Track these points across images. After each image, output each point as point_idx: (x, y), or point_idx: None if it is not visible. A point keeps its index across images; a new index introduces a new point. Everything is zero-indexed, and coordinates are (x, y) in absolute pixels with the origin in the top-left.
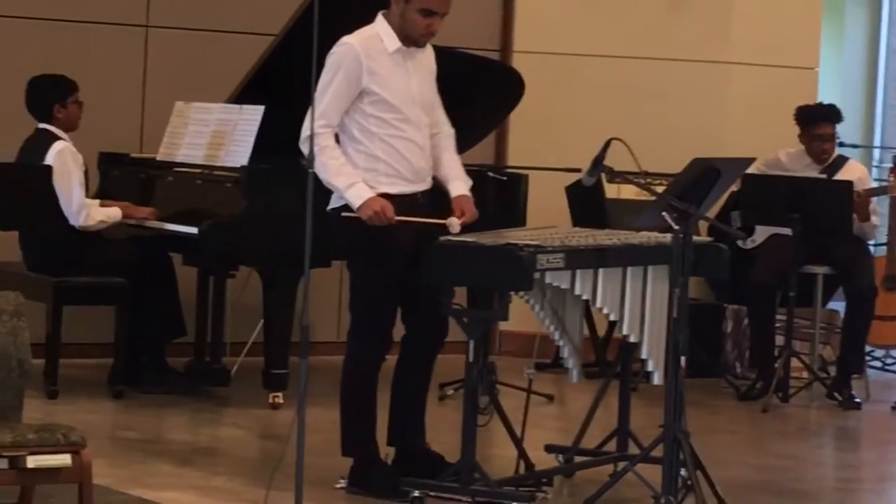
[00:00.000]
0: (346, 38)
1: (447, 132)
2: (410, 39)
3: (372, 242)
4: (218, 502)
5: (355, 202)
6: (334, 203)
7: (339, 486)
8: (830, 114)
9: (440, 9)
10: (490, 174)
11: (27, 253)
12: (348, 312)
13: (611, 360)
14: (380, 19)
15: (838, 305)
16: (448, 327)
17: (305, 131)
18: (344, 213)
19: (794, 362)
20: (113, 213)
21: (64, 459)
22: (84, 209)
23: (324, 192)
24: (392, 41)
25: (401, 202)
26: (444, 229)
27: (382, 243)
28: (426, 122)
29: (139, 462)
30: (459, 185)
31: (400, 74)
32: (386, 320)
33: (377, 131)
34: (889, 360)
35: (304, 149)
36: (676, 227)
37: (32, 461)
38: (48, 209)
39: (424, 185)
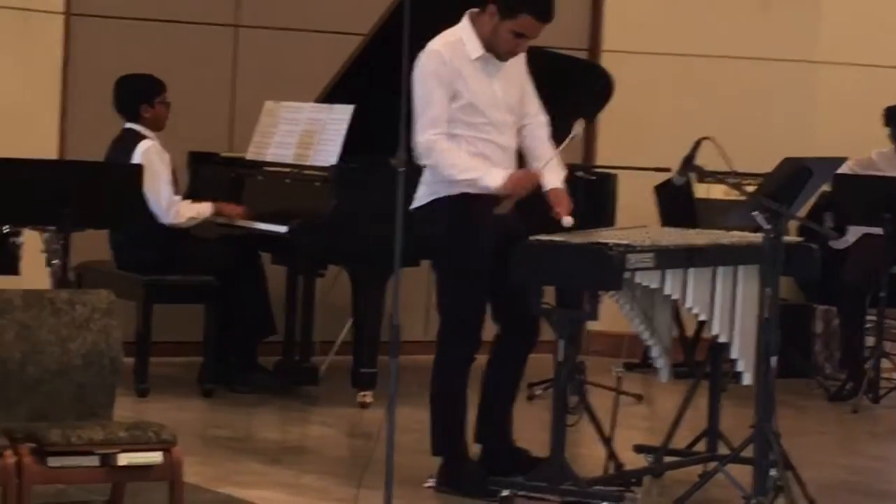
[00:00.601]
0: (431, 45)
1: (541, 121)
2: (494, 52)
3: (455, 241)
4: (308, 500)
5: (495, 184)
6: (418, 202)
7: (427, 485)
8: None
9: (533, 35)
10: (579, 174)
11: (117, 251)
12: (435, 313)
13: (699, 360)
14: (465, 23)
15: None
16: (540, 327)
17: (418, 140)
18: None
19: (885, 363)
20: (203, 208)
21: (155, 457)
22: (174, 206)
23: (415, 192)
24: (475, 48)
25: (482, 202)
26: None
27: (466, 241)
28: (511, 124)
29: (229, 460)
30: (553, 179)
31: (482, 78)
32: (474, 319)
33: (462, 134)
34: None
35: (424, 161)
36: (767, 227)
37: (124, 458)
38: (138, 208)
39: None
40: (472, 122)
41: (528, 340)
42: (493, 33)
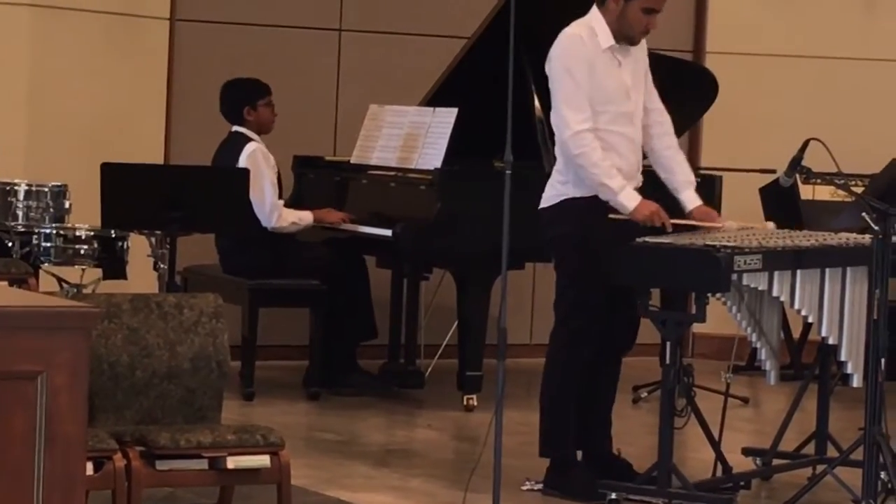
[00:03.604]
0: (568, 30)
1: (668, 127)
2: (627, 37)
3: (582, 244)
4: (415, 503)
5: (629, 205)
6: (546, 202)
7: (525, 487)
8: None
9: (660, 7)
10: None
11: (223, 256)
12: (539, 315)
13: (806, 362)
14: (595, 14)
15: None
16: (638, 330)
17: (566, 130)
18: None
19: None
20: (305, 215)
21: (263, 460)
22: (276, 210)
23: (520, 194)
24: (606, 38)
25: (611, 207)
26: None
27: (593, 246)
28: (639, 116)
29: (336, 463)
30: (692, 196)
31: (613, 69)
32: (592, 323)
33: (594, 126)
34: None
35: (572, 146)
36: (876, 228)
37: (232, 462)
38: (244, 212)
39: (634, 183)
40: (603, 111)
41: (627, 343)
42: (621, 17)
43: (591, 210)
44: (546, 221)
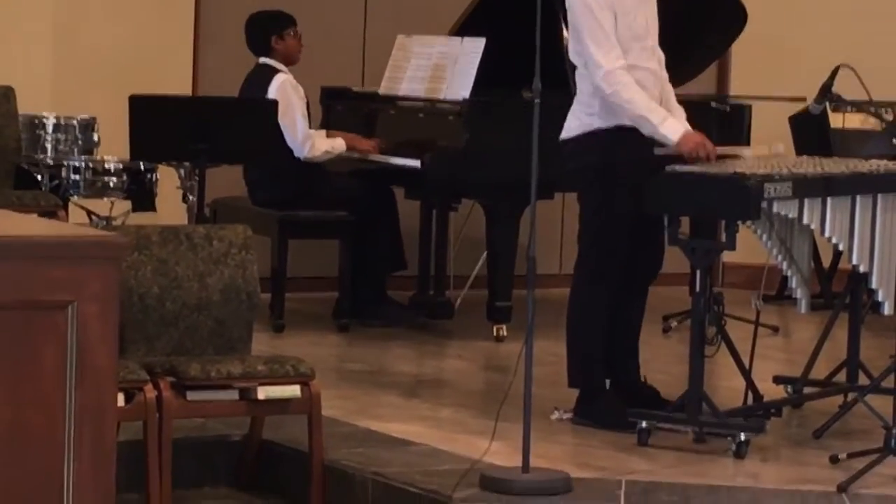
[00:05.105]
0: None
1: (661, 57)
2: None
3: (604, 177)
4: (446, 434)
5: (673, 136)
6: (568, 133)
7: (554, 416)
8: None
9: None
10: (713, 104)
11: (252, 187)
12: (568, 245)
13: (836, 290)
14: None
15: None
16: (663, 258)
17: (598, 70)
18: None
19: None
20: (337, 143)
21: (293, 391)
22: (309, 140)
23: (549, 124)
24: None
25: (636, 137)
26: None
27: (615, 178)
28: (654, 48)
29: (366, 394)
30: (681, 121)
31: (639, 4)
32: (615, 254)
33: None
34: None
35: (605, 86)
36: None
37: (262, 392)
38: (273, 143)
39: None
40: (631, 47)
41: (652, 272)
42: None
43: (615, 141)
44: (569, 152)
